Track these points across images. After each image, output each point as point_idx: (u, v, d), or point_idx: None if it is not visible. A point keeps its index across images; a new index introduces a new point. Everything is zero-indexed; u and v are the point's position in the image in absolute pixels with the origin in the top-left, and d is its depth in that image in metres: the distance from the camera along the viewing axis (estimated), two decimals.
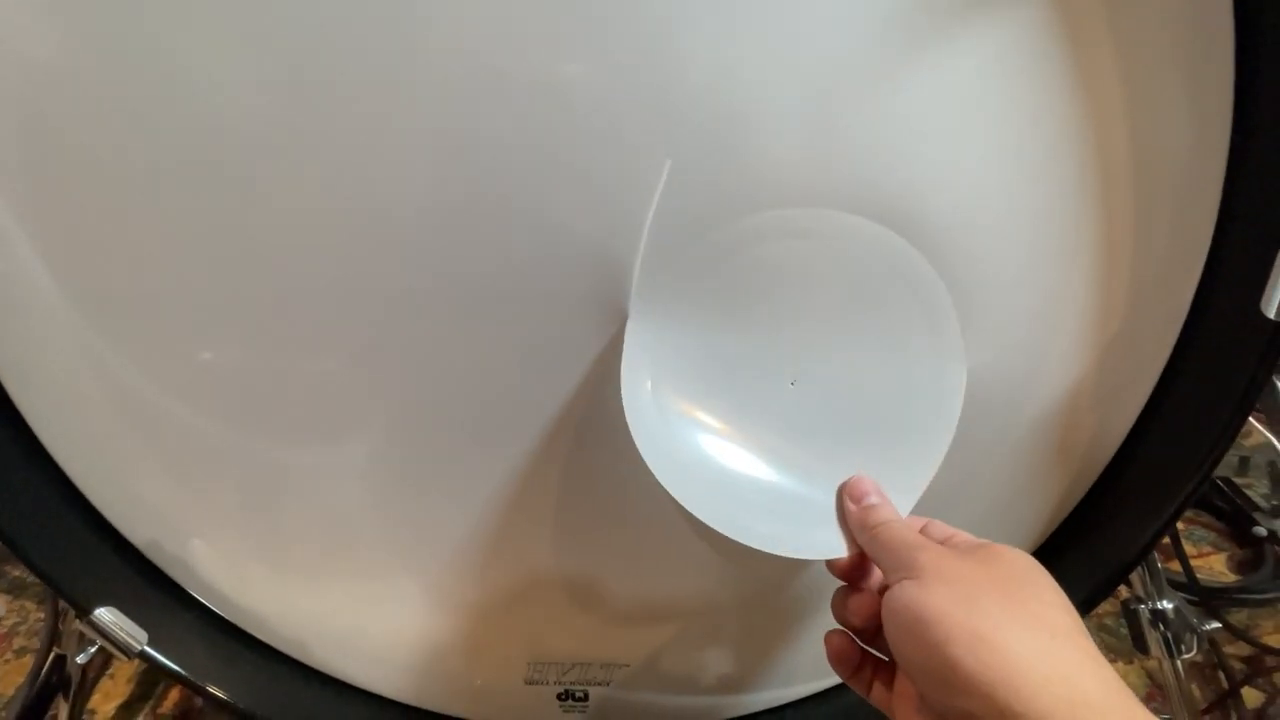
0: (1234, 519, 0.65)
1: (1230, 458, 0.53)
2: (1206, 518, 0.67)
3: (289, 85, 0.24)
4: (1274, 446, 0.44)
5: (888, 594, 0.23)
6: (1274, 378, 0.43)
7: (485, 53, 0.24)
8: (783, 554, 0.27)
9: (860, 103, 0.25)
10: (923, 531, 0.26)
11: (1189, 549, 0.63)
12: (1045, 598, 0.22)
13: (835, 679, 0.38)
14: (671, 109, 0.25)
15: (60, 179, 0.25)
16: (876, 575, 0.27)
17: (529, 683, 0.36)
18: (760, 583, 0.34)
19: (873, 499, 0.27)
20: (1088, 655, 0.20)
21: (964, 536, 0.25)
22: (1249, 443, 0.46)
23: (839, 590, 0.27)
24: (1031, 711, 0.19)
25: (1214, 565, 0.63)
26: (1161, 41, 0.25)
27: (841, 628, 0.27)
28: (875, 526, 0.25)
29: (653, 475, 0.28)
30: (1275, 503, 0.46)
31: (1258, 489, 0.63)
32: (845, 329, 0.28)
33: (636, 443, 0.30)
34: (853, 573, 0.27)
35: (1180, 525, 0.66)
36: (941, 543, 0.24)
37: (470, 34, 0.24)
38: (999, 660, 0.19)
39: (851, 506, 0.27)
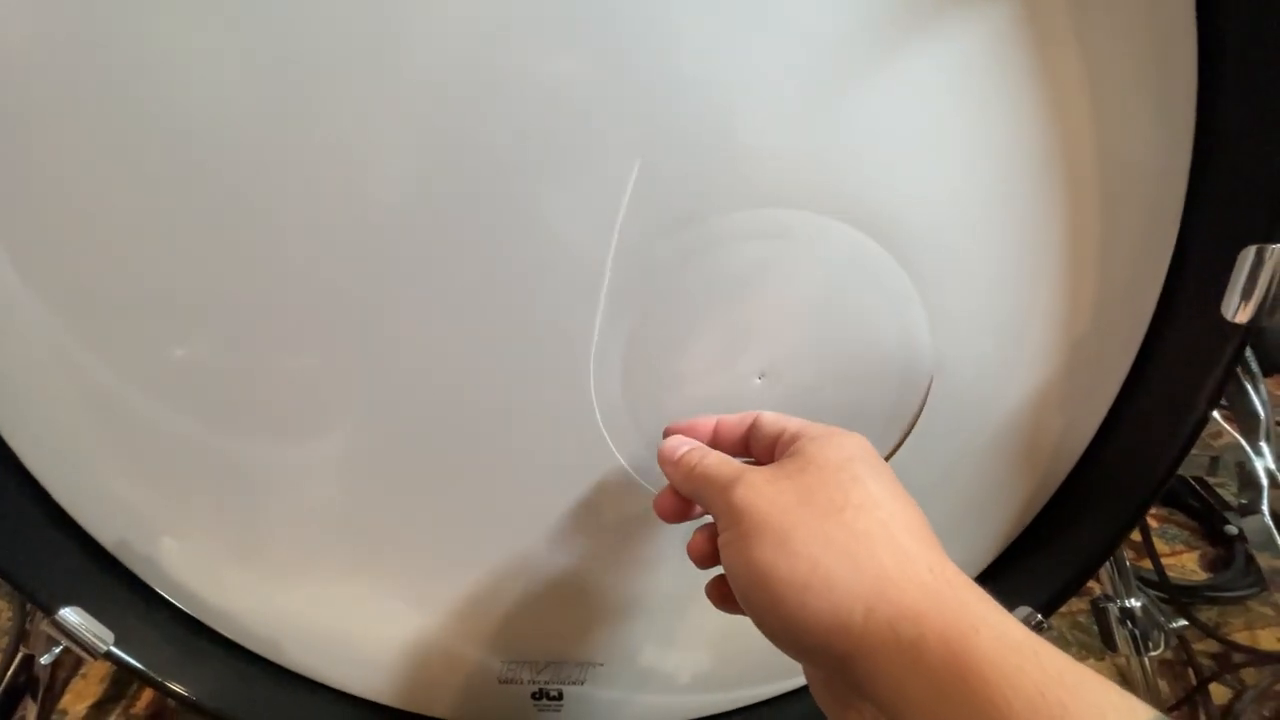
0: (1206, 518, 0.67)
1: (1201, 458, 0.53)
2: (1179, 516, 0.68)
3: (267, 81, 0.24)
4: (1242, 447, 0.45)
5: (721, 548, 0.23)
6: (1243, 379, 0.44)
7: (465, 49, 0.24)
8: None
9: (832, 109, 0.26)
10: (748, 432, 0.26)
11: (1162, 547, 0.64)
12: (858, 499, 0.21)
13: None
14: (647, 109, 0.25)
15: (29, 173, 0.25)
16: (696, 508, 0.27)
17: (503, 682, 0.36)
18: None
19: (684, 448, 0.26)
20: (904, 556, 0.20)
21: (769, 430, 0.25)
22: (1219, 443, 0.46)
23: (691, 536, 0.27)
24: (863, 651, 0.19)
25: (1186, 563, 0.64)
26: (1126, 53, 0.26)
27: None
28: (686, 460, 0.25)
29: (624, 471, 0.28)
30: (1244, 502, 0.47)
31: (1229, 488, 0.64)
32: (814, 329, 0.29)
33: (607, 438, 0.30)
34: (675, 512, 0.27)
35: (1153, 524, 0.67)
36: (766, 455, 0.24)
37: (449, 30, 0.23)
38: (826, 605, 0.20)
39: (669, 458, 0.26)
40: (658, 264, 0.27)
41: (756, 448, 0.26)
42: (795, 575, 0.20)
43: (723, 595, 0.26)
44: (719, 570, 0.25)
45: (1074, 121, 0.26)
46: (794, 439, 0.24)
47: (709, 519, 0.26)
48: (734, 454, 0.26)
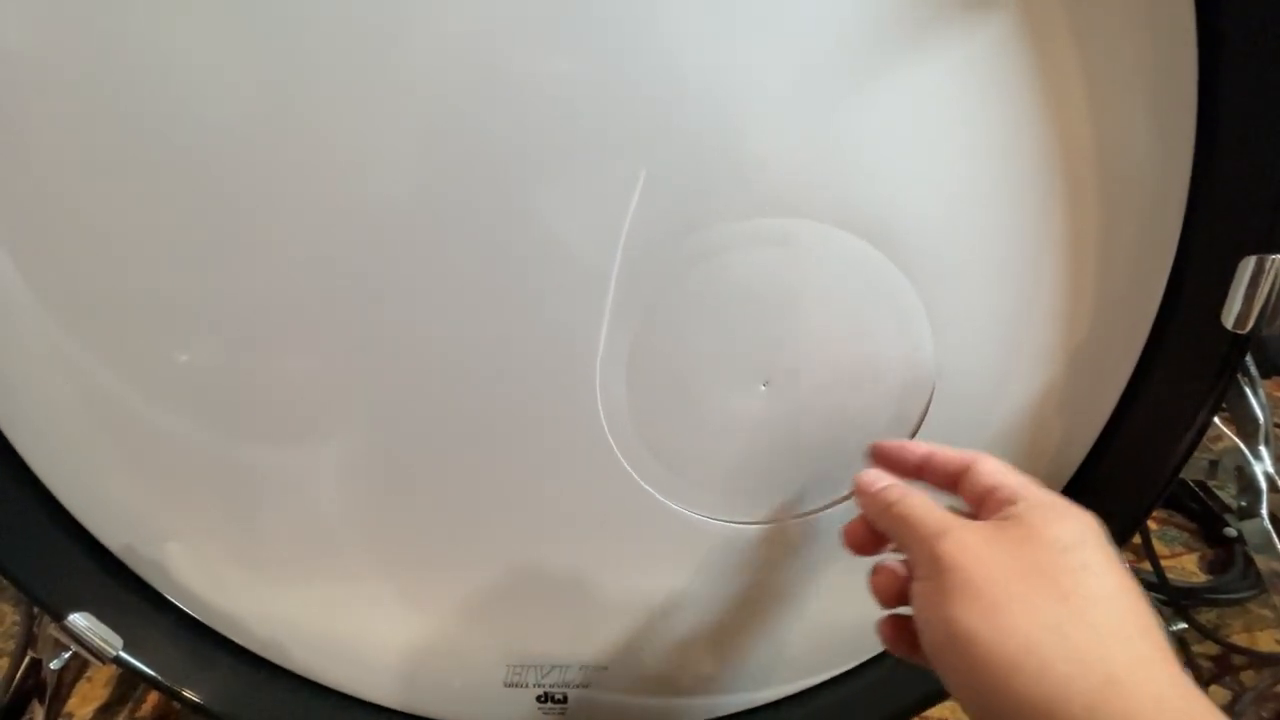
0: (1205, 520, 0.67)
1: (1201, 461, 0.53)
2: (1179, 519, 0.68)
3: (269, 84, 0.24)
4: (1241, 450, 0.45)
5: (914, 594, 0.21)
6: (1242, 383, 0.44)
7: (469, 51, 0.24)
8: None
9: (835, 116, 0.26)
10: (961, 473, 0.24)
11: (1161, 549, 0.65)
12: (1089, 590, 0.19)
13: (813, 680, 0.38)
14: (652, 116, 0.25)
15: (32, 179, 0.25)
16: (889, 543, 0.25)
17: (508, 685, 0.36)
18: (740, 584, 0.35)
19: (882, 482, 0.25)
20: (1139, 659, 0.18)
21: (987, 481, 0.23)
22: (1219, 446, 0.46)
23: (872, 569, 0.25)
24: None
25: (1186, 565, 0.64)
26: (1127, 60, 0.26)
27: (888, 612, 0.25)
28: (884, 496, 0.24)
29: (629, 475, 0.28)
30: (1243, 505, 0.47)
31: (1229, 491, 0.65)
32: (817, 335, 0.29)
33: (612, 443, 0.30)
34: (865, 544, 0.26)
35: (1153, 526, 0.67)
36: (977, 503, 0.22)
37: (454, 32, 0.24)
38: (1036, 693, 0.18)
39: (866, 489, 0.25)
40: (662, 271, 0.27)
41: (967, 493, 0.24)
42: (1003, 651, 0.18)
43: (897, 639, 0.24)
44: (900, 610, 0.23)
45: (1075, 129, 0.27)
46: (1012, 500, 0.22)
47: (898, 555, 0.25)
48: (940, 487, 0.25)
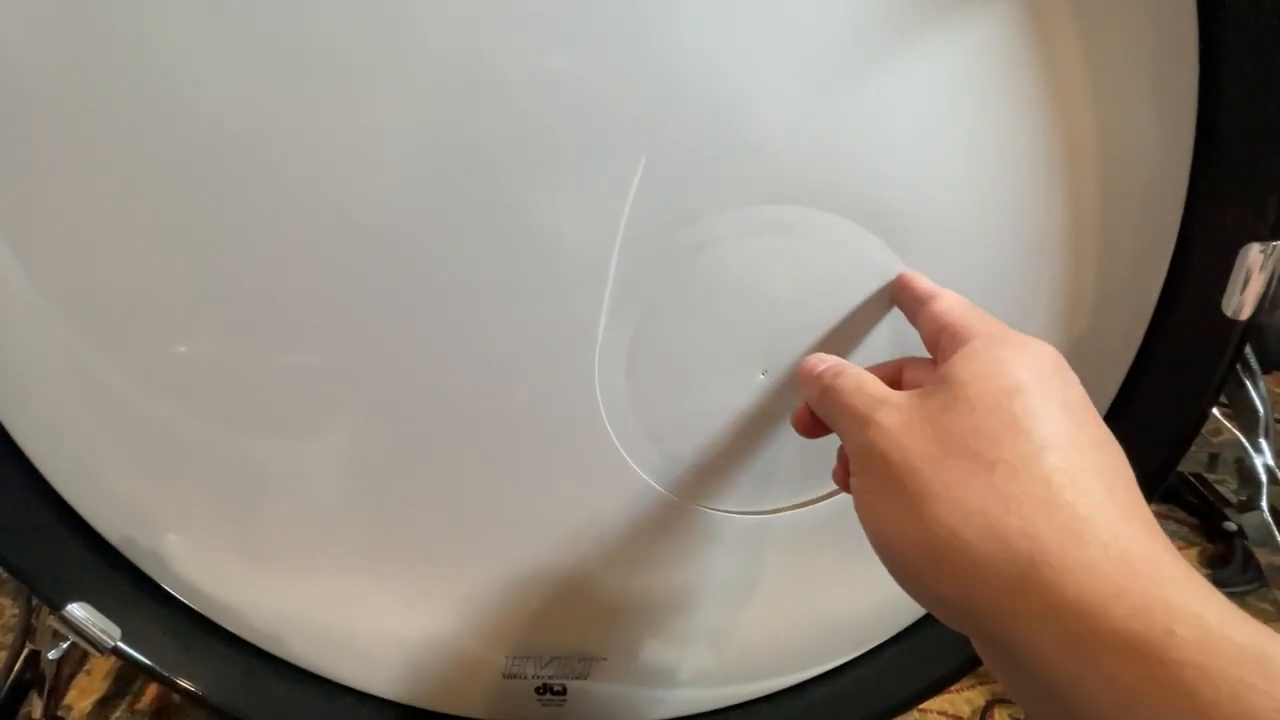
0: (1205, 514, 0.67)
1: (1200, 454, 0.54)
2: (1179, 513, 0.68)
3: (270, 80, 0.24)
4: (1241, 443, 0.45)
5: (852, 491, 0.20)
6: (1243, 376, 0.44)
7: (467, 43, 0.24)
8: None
9: (834, 105, 0.26)
10: (918, 317, 0.22)
11: None
12: (1013, 452, 0.17)
13: (811, 672, 0.38)
14: (650, 107, 0.25)
15: (32, 170, 0.25)
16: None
17: (507, 676, 0.36)
18: (738, 576, 0.35)
19: (821, 365, 0.23)
20: (1070, 526, 0.16)
21: (937, 319, 0.21)
22: (1219, 439, 0.46)
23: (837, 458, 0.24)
24: (1012, 637, 0.16)
25: (1186, 559, 0.64)
26: (1127, 50, 0.26)
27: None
28: (822, 378, 0.22)
29: (629, 466, 0.28)
30: (1243, 498, 0.47)
31: (1229, 485, 0.65)
32: (817, 325, 0.29)
33: (611, 433, 0.30)
34: (810, 427, 0.25)
35: None
36: (931, 346, 0.21)
37: (452, 23, 0.24)
38: (964, 585, 0.16)
39: (808, 374, 0.24)
40: (662, 261, 0.27)
41: (924, 333, 0.22)
42: (930, 548, 0.17)
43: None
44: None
45: (1075, 119, 0.27)
46: (953, 345, 0.20)
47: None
48: (905, 312, 0.23)
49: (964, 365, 0.19)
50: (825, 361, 0.23)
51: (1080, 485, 0.17)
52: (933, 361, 0.22)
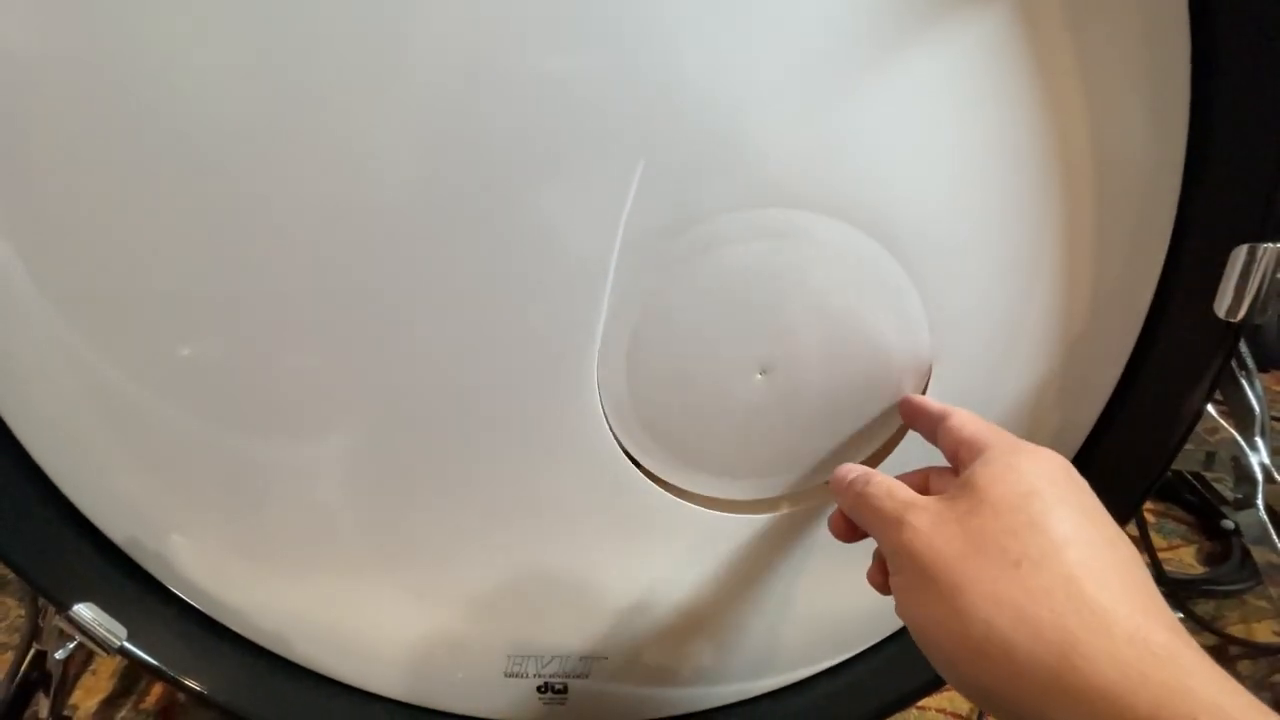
0: (1203, 512, 0.67)
1: (1198, 453, 0.54)
2: (1176, 511, 0.69)
3: (271, 80, 0.24)
4: (1237, 442, 0.45)
5: (892, 589, 0.22)
6: (1239, 375, 0.45)
7: (468, 45, 0.24)
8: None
9: (831, 108, 0.26)
10: (937, 434, 0.24)
11: (1159, 541, 0.65)
12: (1037, 550, 0.18)
13: (812, 669, 0.38)
14: (650, 108, 0.25)
15: (36, 172, 0.25)
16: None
17: (509, 675, 0.36)
18: (739, 574, 0.35)
19: (851, 475, 0.25)
20: (1094, 619, 0.17)
21: (955, 434, 0.23)
22: (1215, 438, 0.47)
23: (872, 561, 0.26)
24: (1055, 714, 0.17)
25: (1184, 557, 0.65)
26: (1120, 51, 0.26)
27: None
28: (853, 486, 0.24)
29: (629, 466, 0.28)
30: (1240, 496, 0.47)
31: (1226, 483, 0.65)
32: (814, 325, 0.29)
33: (612, 433, 0.31)
34: (848, 533, 0.26)
35: (1150, 518, 0.67)
36: (952, 458, 0.23)
37: (452, 30, 0.24)
38: (1005, 674, 0.18)
39: (839, 483, 0.26)
40: (660, 262, 0.28)
41: (944, 448, 0.24)
42: (968, 640, 0.18)
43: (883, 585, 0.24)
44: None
45: (1069, 120, 0.27)
46: (971, 455, 0.22)
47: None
48: (923, 433, 0.26)
49: (983, 472, 0.21)
50: (855, 470, 0.25)
51: (1100, 580, 0.18)
52: (954, 470, 0.24)
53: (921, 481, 0.26)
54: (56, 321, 0.28)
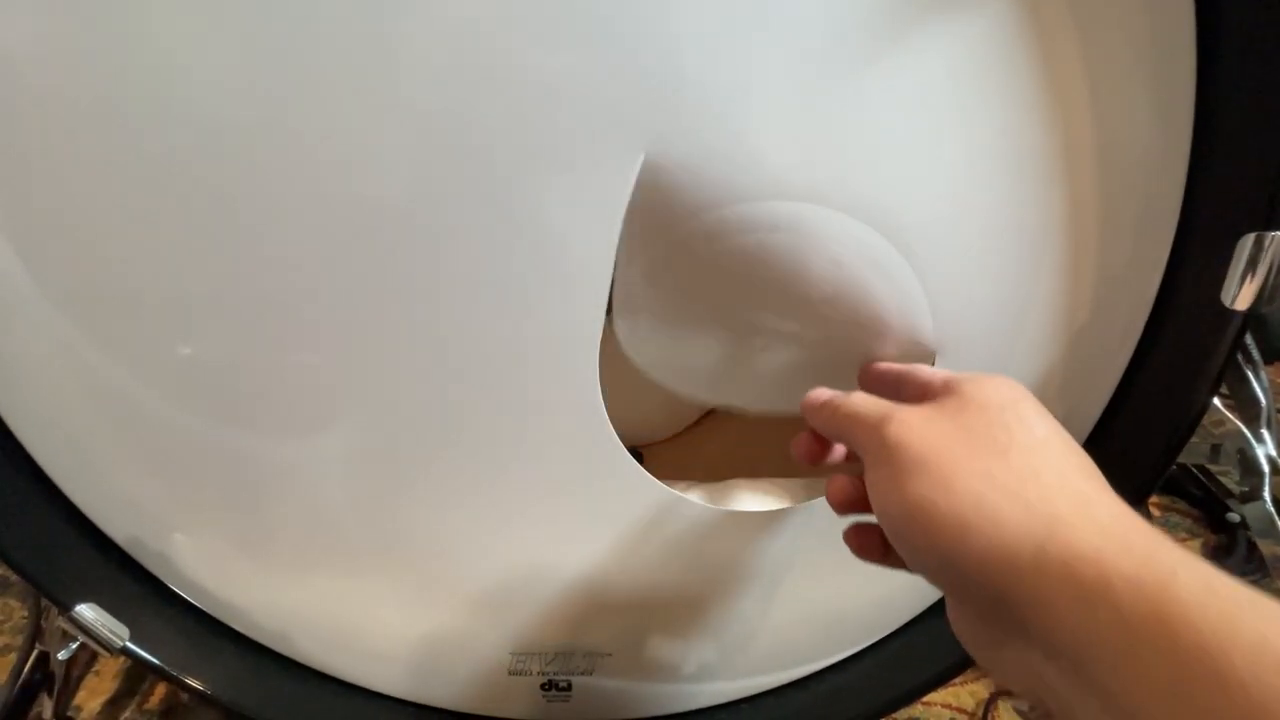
0: (1208, 506, 0.67)
1: (1203, 445, 0.53)
2: (1181, 505, 0.68)
3: (269, 79, 0.24)
4: (1243, 434, 0.45)
5: (870, 485, 0.22)
6: (1244, 367, 0.44)
7: (466, 41, 0.24)
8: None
9: (833, 100, 0.26)
10: (902, 388, 0.25)
11: None
12: (1024, 440, 0.20)
13: (817, 665, 0.38)
14: (651, 103, 0.25)
15: (35, 170, 0.25)
16: (838, 450, 0.27)
17: (512, 673, 0.36)
18: (743, 570, 0.35)
19: (827, 394, 0.26)
20: (1080, 498, 0.19)
21: (923, 380, 0.24)
22: (1221, 430, 0.46)
23: (828, 480, 0.26)
24: (1030, 592, 0.18)
25: (1189, 551, 0.64)
26: (1125, 39, 0.26)
27: (853, 520, 0.25)
28: (831, 403, 0.25)
29: (632, 462, 0.28)
30: (1246, 489, 0.47)
31: (1231, 476, 0.64)
32: (816, 319, 0.29)
33: (614, 428, 0.30)
34: (811, 454, 0.27)
35: (1155, 512, 0.67)
36: (914, 397, 0.23)
37: (449, 27, 0.24)
38: (990, 543, 0.18)
39: (813, 404, 0.26)
40: (661, 257, 0.28)
41: (910, 396, 0.25)
42: (957, 513, 0.19)
43: (863, 544, 0.25)
44: (857, 518, 0.24)
45: (1073, 109, 0.26)
46: (946, 384, 0.23)
47: (847, 470, 0.25)
48: (888, 395, 0.26)
49: (967, 385, 0.22)
50: (830, 391, 0.26)
51: (1080, 472, 0.20)
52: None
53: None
54: (56, 321, 0.28)
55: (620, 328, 0.30)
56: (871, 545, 0.24)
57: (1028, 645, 0.19)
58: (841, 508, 0.25)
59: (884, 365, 0.27)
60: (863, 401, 0.24)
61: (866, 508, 0.23)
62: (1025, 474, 0.19)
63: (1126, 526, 0.18)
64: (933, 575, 0.21)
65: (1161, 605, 0.16)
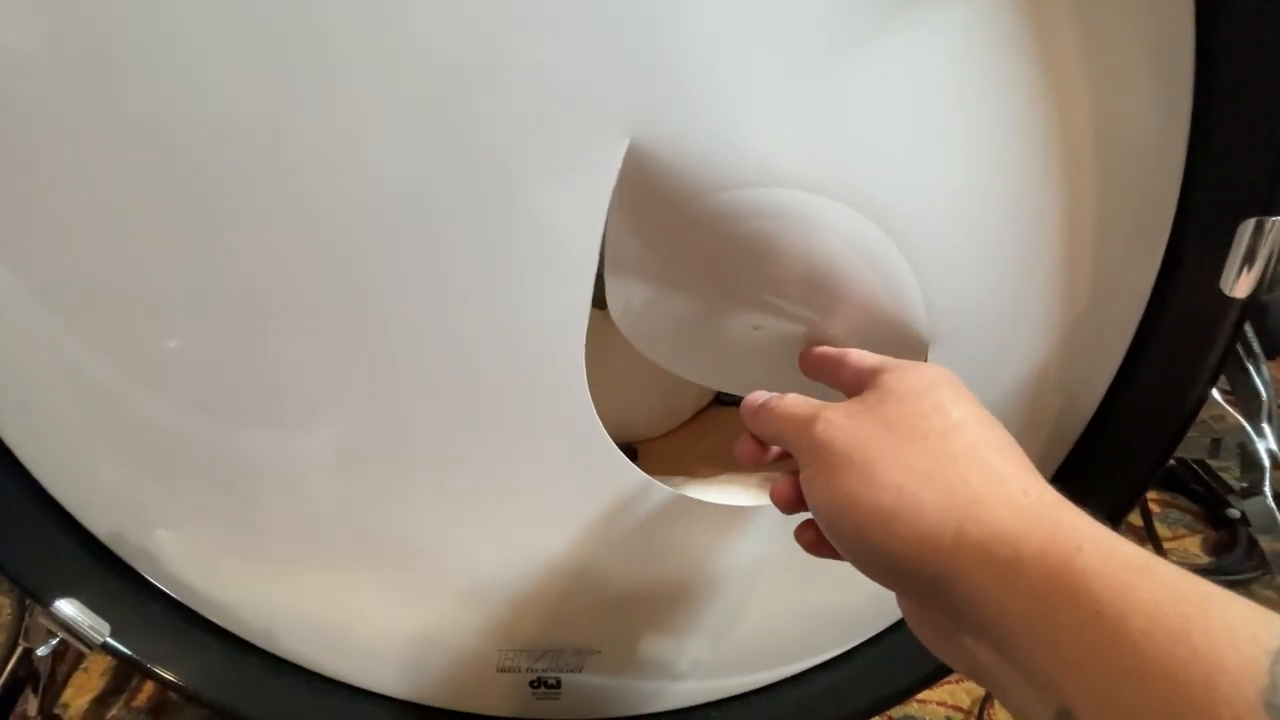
0: (1208, 501, 0.66)
1: (1203, 440, 0.53)
2: (1182, 500, 0.68)
3: (259, 75, 0.23)
4: (1244, 429, 0.45)
5: (803, 485, 0.23)
6: (1245, 361, 0.44)
7: (453, 37, 0.23)
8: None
9: (825, 85, 0.25)
10: (839, 376, 0.26)
11: (1164, 531, 0.64)
12: (941, 425, 0.21)
13: (809, 662, 0.38)
14: (641, 90, 0.24)
15: (19, 162, 0.25)
16: (774, 451, 0.28)
17: (501, 670, 0.36)
18: (733, 567, 0.34)
19: (762, 397, 0.26)
20: (994, 476, 0.20)
21: (855, 366, 0.25)
22: (1221, 425, 0.46)
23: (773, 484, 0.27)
24: (956, 575, 0.19)
25: (1189, 547, 0.64)
26: (1124, 23, 0.25)
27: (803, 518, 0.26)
28: (765, 405, 0.25)
29: (621, 457, 0.27)
30: (1246, 484, 0.47)
31: (1232, 472, 0.64)
32: (809, 308, 0.28)
33: (603, 424, 0.30)
34: (752, 456, 0.28)
35: (1155, 508, 0.66)
36: (855, 391, 0.24)
37: (436, 19, 0.23)
38: (913, 531, 0.19)
39: (749, 407, 0.27)
40: (650, 245, 0.27)
41: (847, 386, 0.26)
42: (880, 504, 0.20)
43: (811, 541, 0.26)
44: (806, 515, 0.25)
45: (1070, 95, 0.26)
46: (874, 373, 0.24)
47: (791, 468, 0.26)
48: (827, 381, 0.27)
49: (887, 375, 0.23)
50: (766, 394, 0.27)
51: (995, 449, 0.21)
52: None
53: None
54: (38, 314, 0.27)
55: (613, 302, 0.30)
56: (820, 541, 0.25)
57: (960, 628, 0.20)
58: (785, 507, 0.25)
59: (822, 349, 0.28)
60: (793, 403, 0.25)
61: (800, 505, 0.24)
62: (942, 458, 0.20)
63: (1038, 501, 0.19)
64: (866, 567, 0.22)
65: (1066, 576, 0.17)
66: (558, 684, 0.36)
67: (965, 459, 0.20)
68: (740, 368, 0.32)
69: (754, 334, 0.29)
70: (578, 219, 0.26)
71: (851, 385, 0.25)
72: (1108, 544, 0.17)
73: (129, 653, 0.33)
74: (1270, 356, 0.45)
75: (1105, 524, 0.18)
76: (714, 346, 0.31)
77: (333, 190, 0.25)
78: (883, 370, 0.24)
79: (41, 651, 0.32)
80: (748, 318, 0.29)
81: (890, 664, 0.37)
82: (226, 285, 0.27)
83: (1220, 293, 0.26)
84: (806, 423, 0.23)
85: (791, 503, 0.25)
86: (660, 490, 0.32)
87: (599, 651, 0.36)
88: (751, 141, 0.26)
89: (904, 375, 0.23)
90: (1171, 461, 0.31)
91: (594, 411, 0.30)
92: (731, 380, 0.34)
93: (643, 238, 0.27)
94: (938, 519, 0.19)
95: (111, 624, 0.32)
